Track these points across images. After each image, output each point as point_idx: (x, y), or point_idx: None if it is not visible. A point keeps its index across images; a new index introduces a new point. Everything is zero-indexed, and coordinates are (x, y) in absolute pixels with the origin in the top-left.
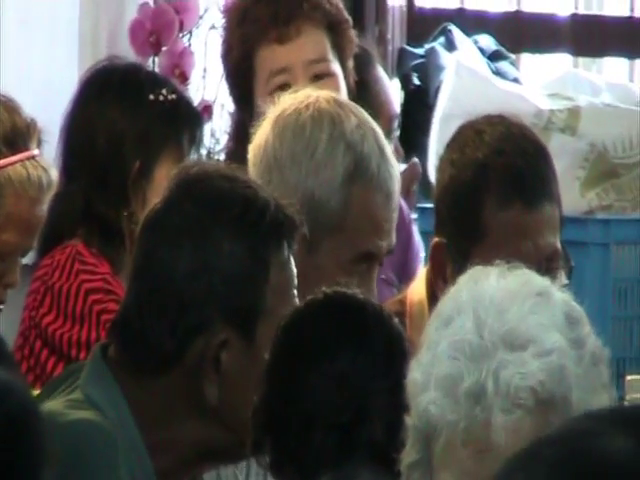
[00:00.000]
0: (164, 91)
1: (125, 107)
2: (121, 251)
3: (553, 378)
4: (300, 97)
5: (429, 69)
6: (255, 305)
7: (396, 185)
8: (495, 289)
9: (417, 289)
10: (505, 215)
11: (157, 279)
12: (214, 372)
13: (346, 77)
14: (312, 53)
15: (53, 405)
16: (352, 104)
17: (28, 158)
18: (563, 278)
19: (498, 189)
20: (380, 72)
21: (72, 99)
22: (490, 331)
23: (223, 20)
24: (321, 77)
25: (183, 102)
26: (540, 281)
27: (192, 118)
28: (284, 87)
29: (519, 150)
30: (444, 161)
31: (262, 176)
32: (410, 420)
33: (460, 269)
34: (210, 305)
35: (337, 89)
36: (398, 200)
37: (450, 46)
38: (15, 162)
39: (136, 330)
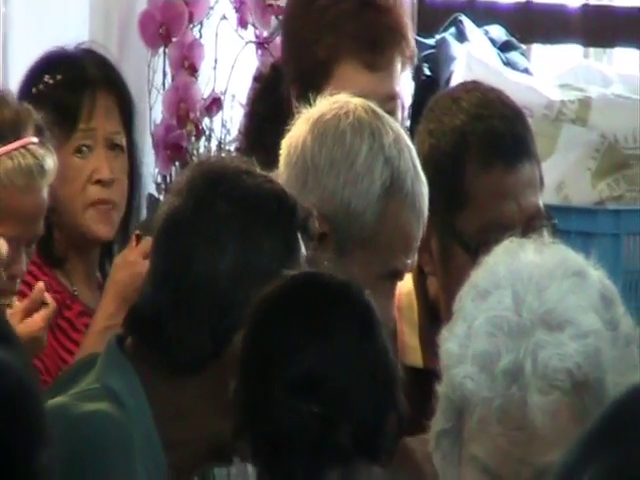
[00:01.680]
0: (46, 77)
1: (27, 98)
2: (62, 248)
3: (589, 360)
4: (338, 103)
5: (440, 60)
6: None
7: (425, 203)
8: (533, 265)
9: (405, 280)
10: (487, 178)
11: (198, 280)
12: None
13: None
14: (391, 88)
15: (66, 397)
16: (388, 117)
17: (17, 149)
18: (547, 237)
19: (478, 153)
20: None
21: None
22: (529, 309)
23: (295, 9)
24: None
25: (67, 77)
26: (576, 259)
27: (70, 88)
28: None
29: (496, 114)
30: (422, 132)
31: (297, 177)
32: (443, 389)
33: (445, 241)
34: (249, 304)
35: (397, 113)
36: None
37: (461, 37)
38: (2, 154)
39: (171, 330)
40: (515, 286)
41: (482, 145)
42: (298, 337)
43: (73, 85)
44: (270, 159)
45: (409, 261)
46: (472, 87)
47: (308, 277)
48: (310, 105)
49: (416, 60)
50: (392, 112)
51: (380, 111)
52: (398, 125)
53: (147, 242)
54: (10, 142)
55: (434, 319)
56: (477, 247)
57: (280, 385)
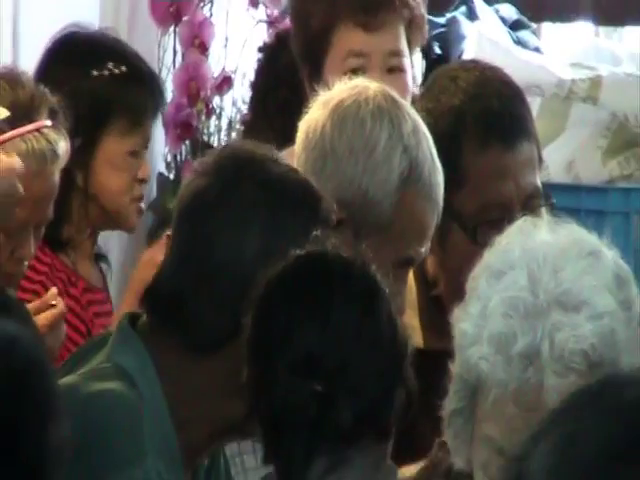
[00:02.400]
0: (110, 65)
1: (68, 86)
2: (70, 229)
3: (605, 342)
4: (357, 88)
5: (450, 38)
6: None
7: (441, 193)
8: (548, 245)
9: None
10: (484, 158)
11: (222, 262)
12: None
13: (413, 72)
14: (392, 45)
15: (76, 376)
16: (406, 104)
17: (31, 131)
18: (545, 216)
19: (476, 133)
20: None
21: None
22: (545, 290)
23: None
24: (394, 70)
25: (134, 73)
26: (591, 239)
27: (144, 88)
28: (358, 70)
29: (494, 92)
30: (420, 111)
31: (315, 161)
32: (457, 369)
33: (443, 220)
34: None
35: (406, 85)
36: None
37: (471, 15)
38: (15, 137)
39: (192, 310)
40: (530, 266)
41: (480, 124)
42: (298, 315)
43: (141, 87)
44: (273, 127)
45: (423, 249)
46: (470, 65)
47: (311, 256)
48: (313, 81)
49: (426, 38)
50: (398, 68)
51: (399, 98)
52: (415, 113)
53: None
54: (24, 124)
55: (433, 299)
56: (475, 226)
57: (281, 364)
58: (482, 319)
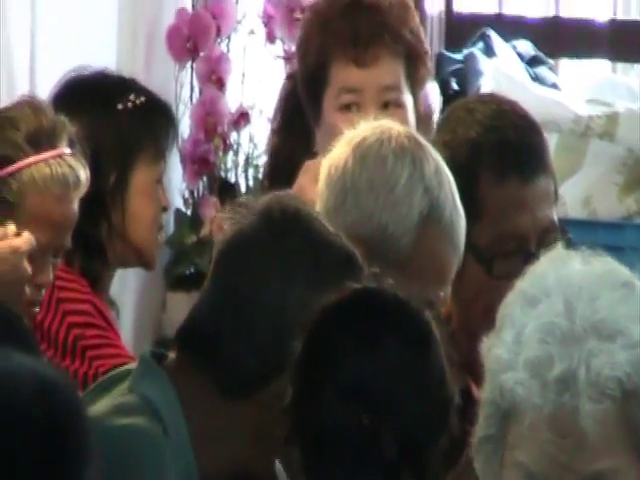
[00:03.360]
0: (132, 97)
1: (94, 121)
2: (104, 266)
3: (639, 370)
4: (381, 127)
5: (468, 74)
6: None
7: (463, 237)
8: (583, 274)
9: None
10: (501, 191)
11: (266, 307)
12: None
13: (416, 106)
14: (386, 80)
15: (101, 409)
16: (429, 146)
17: (54, 157)
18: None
19: (493, 165)
20: None
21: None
22: (581, 317)
23: (304, 16)
24: (391, 106)
25: (153, 105)
26: (623, 270)
27: (163, 116)
28: (352, 106)
29: (511, 125)
30: (437, 143)
31: (337, 197)
32: (488, 394)
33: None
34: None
35: (404, 120)
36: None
37: (488, 51)
38: (39, 161)
39: (229, 352)
40: (566, 294)
41: (496, 157)
42: (351, 345)
43: (161, 115)
44: (294, 170)
45: (442, 293)
46: (487, 99)
47: (368, 291)
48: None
49: (431, 72)
50: (395, 103)
51: (423, 140)
52: (438, 155)
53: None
54: (46, 150)
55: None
56: (491, 258)
57: (330, 391)
58: (517, 345)
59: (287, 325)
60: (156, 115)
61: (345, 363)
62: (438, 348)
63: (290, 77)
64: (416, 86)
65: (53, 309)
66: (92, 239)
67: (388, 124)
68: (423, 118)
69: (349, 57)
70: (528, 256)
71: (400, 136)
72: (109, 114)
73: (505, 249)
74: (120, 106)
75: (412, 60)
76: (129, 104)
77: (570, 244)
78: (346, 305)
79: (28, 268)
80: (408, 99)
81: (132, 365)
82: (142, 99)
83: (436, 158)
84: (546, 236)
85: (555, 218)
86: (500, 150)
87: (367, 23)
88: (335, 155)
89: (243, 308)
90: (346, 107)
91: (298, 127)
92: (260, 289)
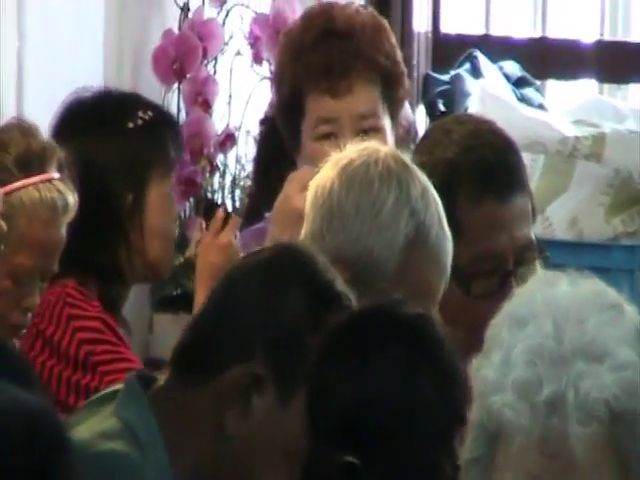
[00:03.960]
0: (140, 113)
1: (104, 142)
2: (122, 287)
3: (627, 393)
4: (367, 150)
5: (454, 95)
6: (299, 374)
7: (449, 258)
8: (570, 296)
9: None
10: (479, 211)
11: (234, 305)
12: (241, 406)
13: (395, 128)
14: (362, 108)
15: (86, 433)
16: (416, 168)
17: (43, 181)
18: (538, 268)
19: (470, 186)
20: None
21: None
22: (570, 339)
23: (280, 43)
24: (370, 132)
25: (160, 117)
26: (611, 292)
27: (170, 128)
28: (329, 136)
29: (488, 145)
30: (415, 165)
31: (323, 219)
32: (476, 416)
33: None
34: (262, 344)
35: (384, 144)
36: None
37: (475, 72)
38: (28, 185)
39: (201, 340)
40: (555, 315)
41: (473, 177)
42: (343, 375)
43: (168, 128)
44: (274, 199)
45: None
46: (464, 119)
47: (370, 311)
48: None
49: (409, 92)
50: (373, 129)
51: (409, 162)
52: (425, 177)
53: (235, 221)
54: (35, 174)
55: None
56: (470, 278)
57: (319, 430)
58: (505, 366)
59: (260, 324)
60: (164, 128)
61: (334, 397)
62: (440, 362)
63: (264, 121)
64: (394, 108)
65: (63, 325)
66: (110, 265)
67: (375, 146)
68: (405, 137)
69: (323, 88)
70: (506, 275)
71: (387, 158)
72: (118, 134)
73: (483, 269)
74: (130, 125)
75: (388, 83)
76: (138, 121)
77: (548, 262)
78: (346, 327)
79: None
80: (386, 123)
81: (117, 387)
82: (149, 114)
83: (423, 180)
84: (524, 254)
85: (533, 236)
86: (477, 170)
87: (340, 53)
88: (322, 177)
89: (229, 306)
90: (324, 137)
91: (277, 174)
92: (245, 304)
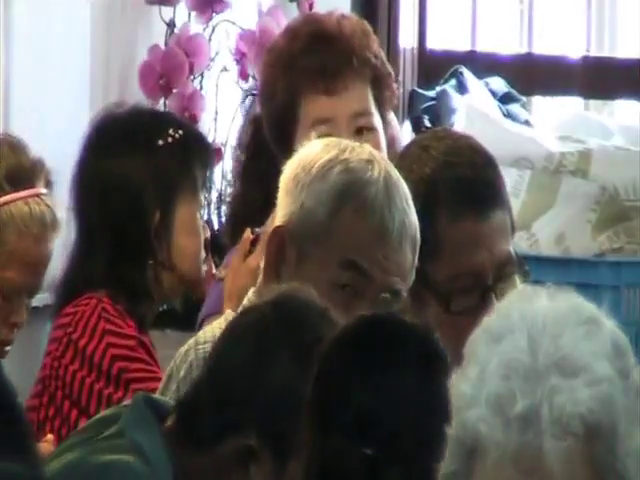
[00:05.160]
0: (170, 131)
1: (134, 159)
2: (150, 306)
3: (603, 407)
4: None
5: (440, 111)
6: (293, 437)
7: (402, 229)
8: (547, 311)
9: None
10: (457, 227)
11: (239, 376)
12: (239, 477)
13: (385, 129)
14: (357, 106)
15: (85, 448)
16: (369, 147)
17: (32, 196)
18: (518, 283)
19: (449, 202)
20: None
21: (78, 157)
22: (545, 354)
23: (260, 62)
24: (364, 131)
25: (190, 136)
26: (589, 307)
27: (201, 147)
28: (326, 137)
29: (466, 161)
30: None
31: (282, 203)
32: (452, 431)
33: (418, 289)
34: (254, 415)
35: (378, 143)
36: (410, 250)
37: (461, 88)
38: (18, 199)
39: (200, 404)
40: (530, 330)
41: (452, 194)
42: (353, 379)
43: (198, 146)
44: (260, 210)
45: (369, 280)
46: (442, 134)
47: (371, 319)
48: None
49: (396, 95)
50: (366, 127)
51: (366, 145)
52: (377, 152)
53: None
54: (24, 189)
55: None
56: (449, 295)
57: (334, 429)
58: (480, 381)
59: (256, 391)
60: (195, 147)
61: (348, 400)
62: (446, 370)
63: (256, 119)
64: (384, 108)
65: (97, 338)
66: (138, 283)
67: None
68: (389, 143)
69: (319, 89)
70: (486, 291)
71: (337, 141)
72: (149, 152)
73: (462, 285)
74: (160, 142)
75: (378, 83)
76: (169, 139)
77: (529, 277)
78: (348, 337)
79: None
80: (378, 122)
81: (119, 408)
82: (180, 132)
83: (370, 151)
84: (503, 269)
85: (512, 251)
86: (455, 187)
87: (332, 53)
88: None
89: (220, 377)
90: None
91: (255, 172)
92: (237, 365)
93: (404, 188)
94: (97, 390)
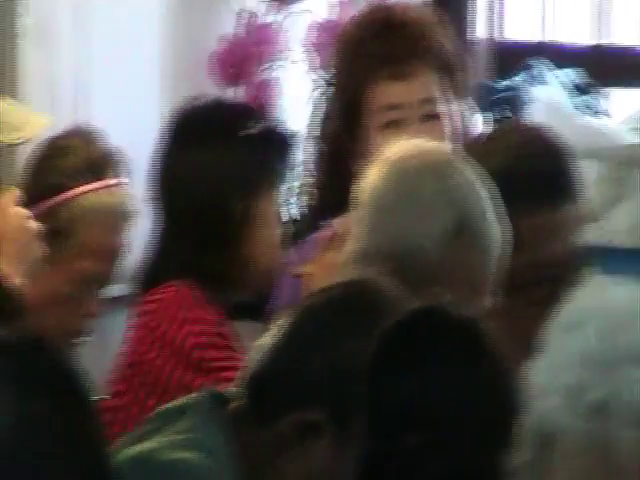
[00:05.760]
0: (252, 123)
1: (217, 150)
2: (230, 294)
3: None
4: (410, 145)
5: (512, 103)
6: (356, 415)
7: (497, 247)
8: (621, 301)
9: None
10: (531, 219)
11: (295, 350)
12: (299, 453)
13: (453, 119)
14: (424, 92)
15: (154, 444)
16: (460, 160)
17: (106, 187)
18: (591, 274)
19: (522, 194)
20: None
21: (158, 150)
22: (619, 344)
23: (332, 49)
24: (430, 118)
25: (270, 128)
26: None
27: (282, 139)
28: (393, 124)
29: (540, 153)
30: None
31: (370, 217)
32: (526, 421)
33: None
34: (321, 391)
35: (443, 132)
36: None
37: (534, 80)
38: (92, 190)
39: (267, 380)
40: (604, 320)
41: (524, 185)
42: (402, 367)
43: (278, 139)
44: (337, 200)
45: (478, 303)
46: (515, 126)
47: (418, 311)
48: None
49: (470, 83)
50: (433, 115)
51: (453, 156)
52: (470, 169)
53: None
54: (97, 180)
55: None
56: (522, 287)
57: (382, 414)
58: (554, 371)
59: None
60: (274, 139)
61: (394, 385)
62: (494, 360)
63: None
64: (451, 97)
65: (178, 326)
66: (220, 273)
67: (419, 141)
68: (457, 133)
69: (387, 74)
70: (559, 282)
71: (427, 152)
72: (232, 143)
73: (537, 277)
74: (243, 134)
75: (446, 72)
76: (250, 131)
77: (602, 269)
78: (397, 329)
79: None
80: (445, 110)
81: (189, 399)
82: (261, 124)
83: (464, 172)
84: (576, 260)
85: (585, 243)
86: (528, 179)
87: (401, 40)
88: (368, 176)
89: (289, 353)
90: (389, 125)
91: (339, 170)
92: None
93: (486, 195)
94: (176, 378)
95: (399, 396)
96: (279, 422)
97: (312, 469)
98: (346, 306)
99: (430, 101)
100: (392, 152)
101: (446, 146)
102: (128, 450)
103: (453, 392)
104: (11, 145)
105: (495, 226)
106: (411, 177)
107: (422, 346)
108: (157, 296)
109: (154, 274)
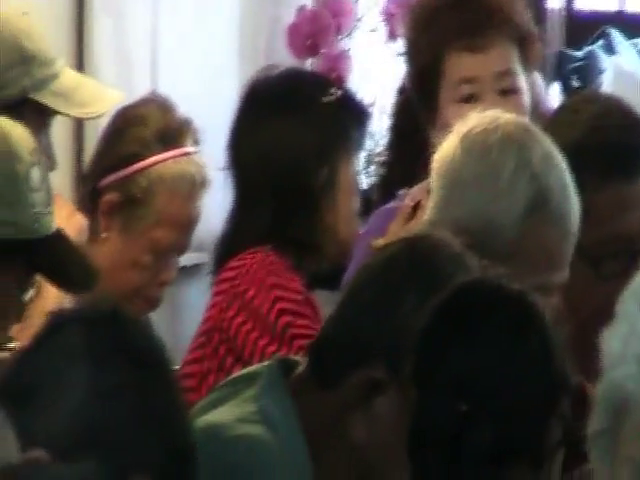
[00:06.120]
0: (332, 90)
1: (296, 119)
2: (315, 263)
3: None
4: (488, 117)
5: (588, 72)
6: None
7: (575, 221)
8: None
9: None
10: (606, 191)
11: (353, 312)
12: (365, 413)
13: (530, 89)
14: (501, 65)
15: (223, 415)
16: (539, 132)
17: (182, 155)
18: None
19: (597, 166)
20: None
21: (236, 119)
22: None
23: (404, 20)
24: (507, 92)
25: (348, 97)
26: None
27: (358, 109)
28: (468, 98)
29: (615, 125)
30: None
31: (445, 189)
32: (601, 389)
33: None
34: (381, 349)
35: (521, 105)
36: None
37: (609, 49)
38: (168, 159)
39: (329, 342)
40: None
41: (600, 158)
42: (450, 342)
43: (356, 107)
44: (410, 172)
45: (554, 279)
46: (592, 97)
47: (471, 284)
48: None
49: (541, 55)
50: (511, 89)
51: (533, 128)
52: (549, 141)
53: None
54: (173, 148)
55: None
56: (598, 259)
57: (432, 388)
58: (629, 340)
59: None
60: (352, 107)
61: (445, 362)
62: (544, 333)
63: (401, 91)
64: (529, 69)
65: (265, 291)
66: (305, 240)
67: (496, 113)
68: (534, 105)
69: (462, 46)
70: (635, 255)
71: (507, 124)
72: (311, 112)
73: (612, 249)
74: (322, 102)
75: (523, 43)
76: (330, 98)
77: None
78: (447, 303)
79: None
80: (523, 83)
81: (262, 367)
82: (339, 93)
83: (544, 144)
84: None
85: None
86: (604, 151)
87: (476, 11)
88: (444, 148)
89: (350, 313)
90: (464, 99)
91: (413, 146)
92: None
93: (565, 167)
94: (261, 346)
95: (450, 365)
96: (343, 383)
97: (379, 425)
98: (404, 262)
99: (507, 74)
100: (470, 125)
101: (525, 119)
102: (203, 417)
103: (502, 363)
104: (87, 119)
105: (574, 200)
106: (492, 152)
107: (473, 318)
108: (243, 261)
109: (235, 241)
